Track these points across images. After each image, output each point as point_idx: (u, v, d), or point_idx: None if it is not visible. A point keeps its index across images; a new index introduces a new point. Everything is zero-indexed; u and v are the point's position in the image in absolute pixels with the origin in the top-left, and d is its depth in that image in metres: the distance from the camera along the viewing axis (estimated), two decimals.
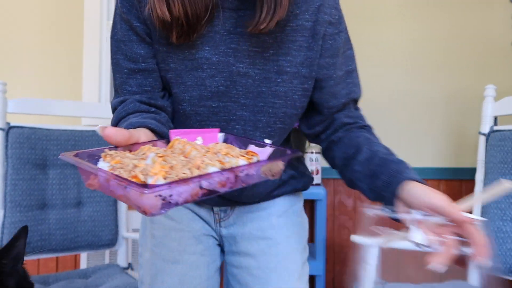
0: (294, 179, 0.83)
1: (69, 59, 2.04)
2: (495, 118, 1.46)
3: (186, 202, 0.42)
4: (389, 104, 1.87)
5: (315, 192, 1.52)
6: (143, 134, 0.55)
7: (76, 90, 2.02)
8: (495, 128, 1.43)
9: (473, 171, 1.60)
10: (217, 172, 0.43)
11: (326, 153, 0.79)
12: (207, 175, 0.42)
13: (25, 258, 1.37)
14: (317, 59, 0.71)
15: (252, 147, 0.54)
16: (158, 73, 0.72)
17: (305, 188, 0.86)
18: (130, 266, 1.62)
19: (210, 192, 0.44)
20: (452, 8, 1.86)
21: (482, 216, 1.39)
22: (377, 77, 1.88)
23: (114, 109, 0.71)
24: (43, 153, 1.44)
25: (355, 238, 1.27)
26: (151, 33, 0.69)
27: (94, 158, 0.46)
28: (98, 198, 1.51)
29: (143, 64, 0.71)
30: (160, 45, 0.69)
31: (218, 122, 0.72)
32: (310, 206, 1.90)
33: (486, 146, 1.42)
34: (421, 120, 1.85)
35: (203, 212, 0.81)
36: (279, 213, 0.82)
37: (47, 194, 1.43)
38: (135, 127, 0.58)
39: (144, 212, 0.39)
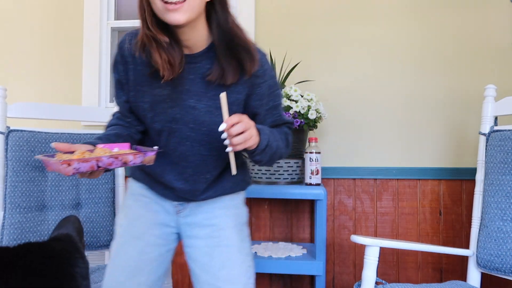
0: (236, 185, 1.11)
1: (69, 63, 2.04)
2: (495, 118, 1.46)
3: (87, 171, 0.76)
4: (389, 104, 1.87)
5: (315, 192, 1.52)
6: (83, 146, 0.84)
7: (76, 94, 2.02)
8: (495, 128, 1.43)
9: (473, 171, 1.60)
10: (105, 156, 0.79)
11: None
12: (99, 158, 0.78)
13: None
14: (246, 101, 1.00)
15: (141, 147, 0.93)
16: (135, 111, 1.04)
17: (242, 189, 1.15)
18: None
19: (104, 169, 0.79)
20: (452, 8, 1.86)
21: (482, 216, 1.39)
22: (377, 77, 1.88)
23: (112, 115, 1.08)
24: None
25: (355, 238, 1.27)
26: (135, 80, 1.01)
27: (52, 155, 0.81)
28: (96, 200, 1.51)
29: (125, 96, 1.04)
30: (141, 86, 1.00)
31: (175, 139, 1.01)
32: (310, 206, 1.90)
33: (486, 146, 1.42)
34: (421, 120, 1.85)
35: (168, 205, 1.10)
36: (221, 206, 1.09)
37: (46, 196, 1.44)
38: (91, 140, 0.93)
39: (61, 172, 0.73)
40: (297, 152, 1.66)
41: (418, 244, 1.35)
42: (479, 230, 1.39)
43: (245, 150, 0.94)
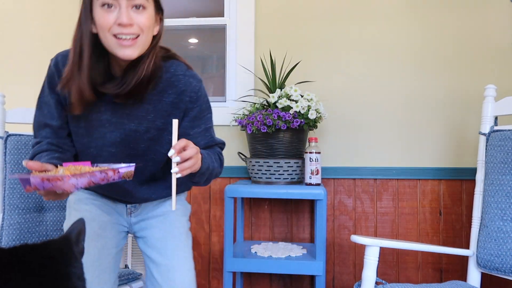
0: (178, 187, 1.17)
1: None
2: (495, 118, 1.46)
3: (85, 187, 0.77)
4: (389, 104, 1.87)
5: (315, 192, 1.52)
6: (50, 166, 0.84)
7: None
8: (495, 128, 1.43)
9: (473, 171, 1.60)
10: (99, 171, 0.80)
11: None
12: (93, 173, 0.78)
13: None
14: (179, 123, 1.04)
15: (111, 165, 0.93)
16: (66, 129, 1.06)
17: (188, 189, 1.28)
18: (126, 266, 1.62)
19: (95, 184, 0.79)
20: (452, 9, 1.86)
21: (482, 216, 1.39)
22: (377, 77, 1.88)
23: (32, 147, 1.06)
24: None
25: (355, 238, 1.27)
26: (66, 103, 1.02)
27: (26, 176, 0.76)
28: None
29: (56, 122, 1.04)
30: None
31: (117, 161, 1.07)
32: (310, 206, 1.90)
33: (486, 146, 1.42)
34: (421, 120, 1.85)
35: (119, 207, 1.19)
36: (169, 203, 1.21)
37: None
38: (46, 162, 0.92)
39: (66, 191, 0.73)
40: (297, 152, 1.66)
41: (418, 244, 1.35)
42: (479, 230, 1.38)
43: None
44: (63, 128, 1.07)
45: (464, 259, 1.79)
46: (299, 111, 1.59)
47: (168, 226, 1.17)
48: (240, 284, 1.87)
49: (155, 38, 0.99)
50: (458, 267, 1.81)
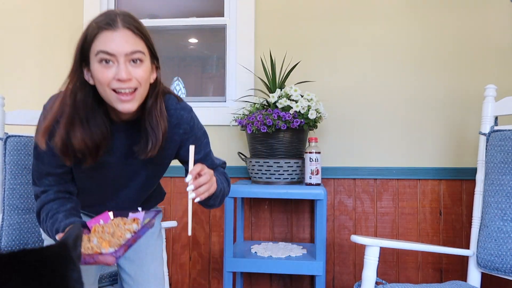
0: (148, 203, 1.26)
1: (69, 58, 2.03)
2: (496, 118, 1.46)
3: (122, 255, 0.81)
4: (389, 104, 1.87)
5: (315, 192, 1.52)
6: (84, 231, 0.89)
7: None
8: (496, 128, 1.43)
9: (473, 171, 1.60)
10: (130, 233, 0.87)
11: None
12: (127, 239, 0.84)
13: None
14: (177, 152, 1.11)
15: (131, 214, 0.98)
16: (70, 173, 1.05)
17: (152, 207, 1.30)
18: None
19: (129, 247, 0.84)
20: (452, 9, 1.86)
21: (482, 216, 1.39)
22: (377, 77, 1.88)
23: (36, 196, 1.04)
24: None
25: (355, 238, 1.27)
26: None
27: None
28: None
29: (59, 169, 1.02)
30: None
31: (115, 195, 1.12)
32: (310, 206, 1.90)
33: (487, 146, 1.42)
34: (421, 120, 1.85)
35: None
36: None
37: None
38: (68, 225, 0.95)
39: (108, 264, 0.78)
40: (297, 152, 1.66)
41: (418, 244, 1.35)
42: (479, 230, 1.38)
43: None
44: (67, 172, 1.04)
45: (464, 259, 1.79)
46: (299, 111, 1.59)
47: (144, 249, 1.22)
48: (240, 284, 1.87)
49: (155, 86, 1.00)
50: (458, 267, 1.81)
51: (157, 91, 1.00)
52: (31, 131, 1.69)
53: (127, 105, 0.92)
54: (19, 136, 1.48)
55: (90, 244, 0.82)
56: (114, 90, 0.90)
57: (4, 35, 2.08)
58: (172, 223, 1.55)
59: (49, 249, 0.56)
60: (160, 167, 1.13)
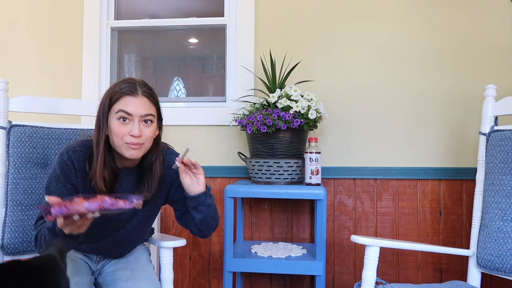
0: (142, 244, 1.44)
1: (69, 58, 2.04)
2: (496, 118, 1.46)
3: (97, 210, 0.91)
4: (389, 104, 1.87)
5: (315, 192, 1.52)
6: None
7: (76, 89, 2.02)
8: (496, 128, 1.43)
9: (473, 171, 1.60)
10: (109, 198, 0.93)
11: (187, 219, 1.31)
12: (103, 199, 0.92)
13: (26, 256, 1.38)
14: (167, 194, 1.29)
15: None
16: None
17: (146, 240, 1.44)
18: None
19: (106, 209, 0.92)
20: (452, 9, 1.86)
21: (482, 216, 1.39)
22: (377, 77, 1.88)
23: (36, 222, 1.17)
24: (44, 152, 1.43)
25: (355, 238, 1.27)
26: (83, 190, 1.15)
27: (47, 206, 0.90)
28: None
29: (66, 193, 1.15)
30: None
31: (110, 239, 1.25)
32: (310, 206, 1.90)
33: (487, 146, 1.42)
34: (421, 120, 1.85)
35: (88, 259, 1.31)
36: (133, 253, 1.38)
37: None
38: None
39: (81, 213, 0.90)
40: (297, 152, 1.66)
41: (418, 244, 1.35)
42: (479, 230, 1.38)
43: (192, 197, 1.19)
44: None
45: (464, 259, 1.79)
46: (299, 111, 1.59)
47: (139, 264, 1.32)
48: (240, 284, 1.87)
49: (157, 141, 1.21)
50: (458, 267, 1.81)
51: (159, 148, 1.21)
52: (33, 119, 1.68)
53: (134, 152, 1.11)
54: (23, 125, 1.40)
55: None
56: (125, 142, 1.11)
57: (7, 20, 2.08)
58: (182, 242, 1.38)
59: (38, 259, 0.61)
60: (154, 207, 1.27)
